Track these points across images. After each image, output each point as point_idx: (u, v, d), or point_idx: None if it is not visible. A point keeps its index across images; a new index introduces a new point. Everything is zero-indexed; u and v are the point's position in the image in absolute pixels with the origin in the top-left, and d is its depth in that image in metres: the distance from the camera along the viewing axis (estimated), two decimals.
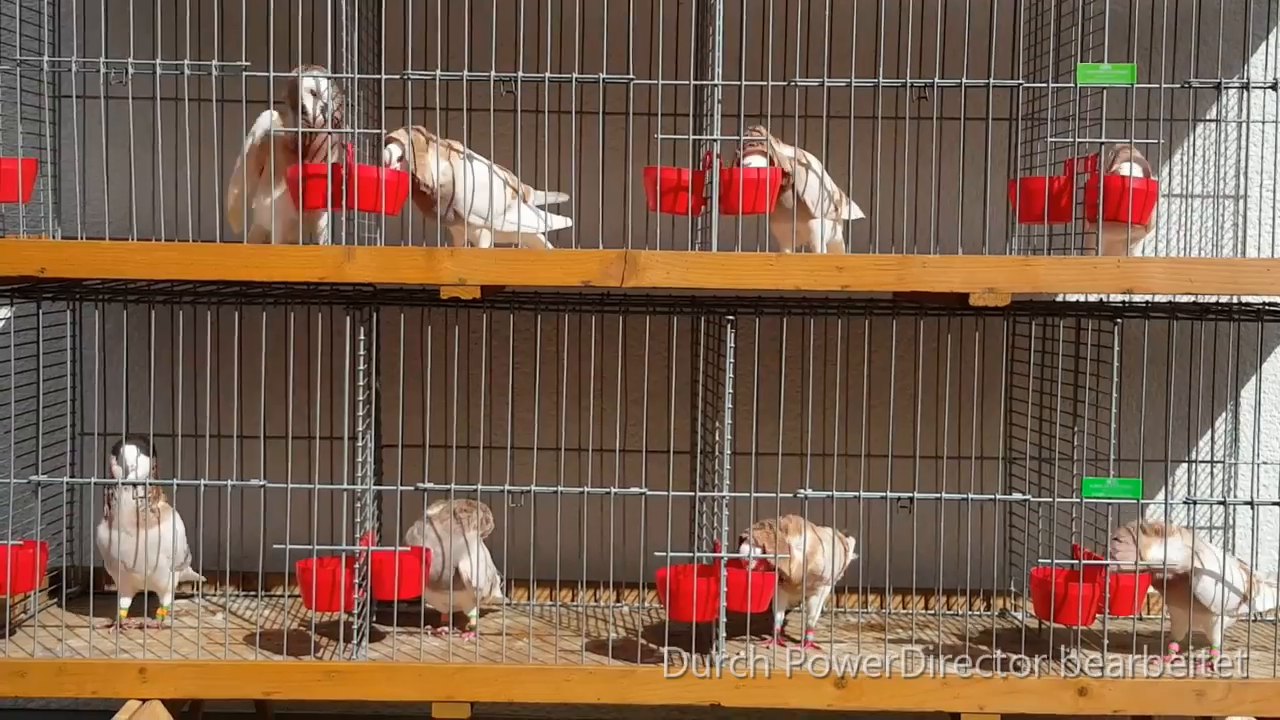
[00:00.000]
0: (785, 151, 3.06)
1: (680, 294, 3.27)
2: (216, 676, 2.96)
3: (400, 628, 3.23)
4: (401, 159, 2.97)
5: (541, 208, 3.15)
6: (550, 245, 3.14)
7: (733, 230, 2.94)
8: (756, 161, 2.98)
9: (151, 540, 3.13)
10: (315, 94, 2.92)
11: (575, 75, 2.94)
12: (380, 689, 2.96)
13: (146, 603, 3.26)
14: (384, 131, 3.03)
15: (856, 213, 3.18)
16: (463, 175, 3.01)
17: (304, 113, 2.91)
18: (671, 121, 3.15)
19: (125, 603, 3.20)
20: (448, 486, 3.04)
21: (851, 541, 3.29)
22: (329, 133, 2.95)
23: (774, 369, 3.18)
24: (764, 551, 3.01)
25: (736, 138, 2.96)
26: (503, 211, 3.05)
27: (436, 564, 3.11)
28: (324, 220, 3.14)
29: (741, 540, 3.02)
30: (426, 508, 3.18)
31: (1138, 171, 2.99)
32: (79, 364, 3.39)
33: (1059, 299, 3.41)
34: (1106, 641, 3.01)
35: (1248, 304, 3.30)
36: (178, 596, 3.38)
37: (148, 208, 3.21)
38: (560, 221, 3.15)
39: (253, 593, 3.46)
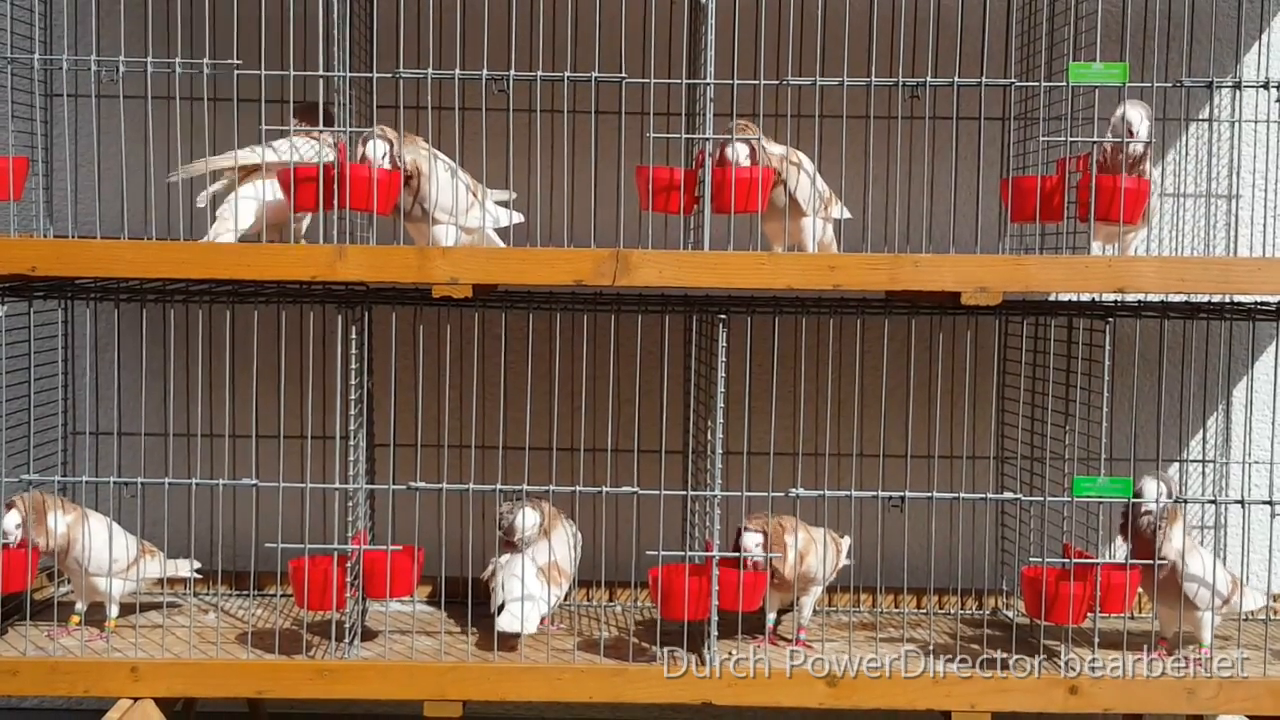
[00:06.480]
0: (776, 150, 3.06)
1: (673, 293, 3.27)
2: (209, 675, 2.96)
3: (393, 628, 3.23)
4: (386, 155, 2.94)
5: (502, 204, 3.14)
6: (501, 242, 3.13)
7: (725, 229, 2.94)
8: (740, 149, 2.95)
9: (72, 562, 3.12)
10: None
11: (568, 74, 2.94)
12: (372, 688, 2.96)
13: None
14: (374, 129, 3.02)
15: (844, 213, 3.19)
16: (429, 170, 2.99)
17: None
18: (664, 120, 3.15)
19: (80, 607, 3.18)
20: (439, 486, 3.04)
21: (846, 542, 3.28)
22: (334, 131, 2.94)
23: (766, 368, 3.18)
24: (765, 537, 3.01)
25: (727, 137, 2.96)
26: (466, 210, 3.04)
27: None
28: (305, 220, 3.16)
29: (740, 532, 3.02)
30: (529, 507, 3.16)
31: (1135, 114, 2.96)
32: (71, 363, 3.39)
33: (1051, 298, 3.41)
34: (1097, 640, 3.02)
35: (1239, 303, 3.31)
36: (172, 594, 3.39)
37: (140, 206, 3.20)
38: (516, 217, 3.13)
39: (245, 592, 3.46)
